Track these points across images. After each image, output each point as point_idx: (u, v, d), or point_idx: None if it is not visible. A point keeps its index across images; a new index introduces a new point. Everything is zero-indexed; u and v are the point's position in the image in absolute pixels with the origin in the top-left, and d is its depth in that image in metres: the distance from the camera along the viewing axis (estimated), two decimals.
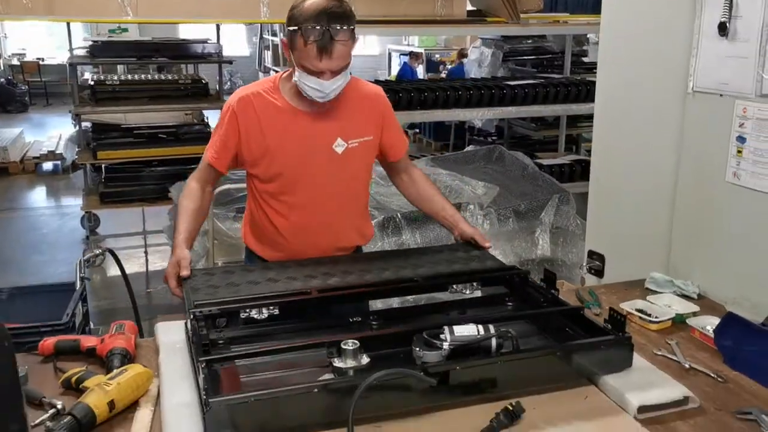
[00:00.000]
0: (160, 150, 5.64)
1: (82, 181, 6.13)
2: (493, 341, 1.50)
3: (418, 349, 1.47)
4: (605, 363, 1.56)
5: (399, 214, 3.66)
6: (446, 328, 1.51)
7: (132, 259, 5.59)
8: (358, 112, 2.10)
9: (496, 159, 4.55)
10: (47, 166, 8.59)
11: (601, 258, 2.54)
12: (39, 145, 8.95)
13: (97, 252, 2.53)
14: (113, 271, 5.51)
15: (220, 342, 1.63)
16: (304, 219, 2.09)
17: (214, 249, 3.99)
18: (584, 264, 2.60)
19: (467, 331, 1.50)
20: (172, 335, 1.74)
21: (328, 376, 1.50)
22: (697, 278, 2.11)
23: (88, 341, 1.70)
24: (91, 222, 5.87)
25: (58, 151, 8.50)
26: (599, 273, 2.54)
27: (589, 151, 6.47)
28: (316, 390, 1.36)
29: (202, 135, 5.77)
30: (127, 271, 5.47)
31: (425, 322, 1.65)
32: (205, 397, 1.31)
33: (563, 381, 1.55)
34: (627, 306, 1.95)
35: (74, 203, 6.84)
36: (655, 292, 2.09)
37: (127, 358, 1.62)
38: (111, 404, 1.42)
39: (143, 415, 1.45)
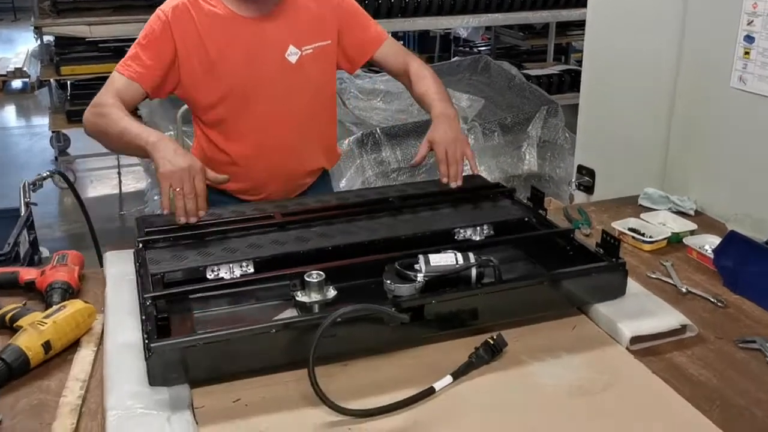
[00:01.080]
0: None
1: (48, 100, 5.84)
2: (473, 271, 1.35)
3: (389, 281, 1.32)
4: (596, 291, 1.42)
5: (378, 130, 3.47)
6: (421, 257, 1.36)
7: (104, 180, 5.40)
8: (310, 13, 1.85)
9: (481, 70, 4.32)
10: (16, 84, 8.23)
11: (591, 173, 2.38)
12: (6, 63, 8.52)
13: (44, 174, 2.33)
14: (86, 193, 5.33)
15: (173, 273, 1.47)
16: (261, 142, 1.86)
17: None
18: (573, 180, 2.45)
19: (444, 260, 1.35)
20: (122, 266, 1.58)
21: (290, 312, 1.35)
22: (695, 193, 1.96)
23: (27, 274, 1.54)
24: (60, 142, 5.61)
25: (25, 68, 8.12)
26: (589, 189, 2.39)
27: (579, 62, 6.23)
28: (274, 330, 1.21)
29: None
30: (100, 194, 5.35)
31: (400, 249, 1.49)
32: (146, 341, 1.16)
33: (550, 311, 1.42)
34: (619, 225, 1.80)
35: (44, 123, 6.55)
36: (650, 209, 1.94)
37: (69, 292, 1.46)
38: (46, 345, 1.27)
39: (84, 356, 1.31)
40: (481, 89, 4.05)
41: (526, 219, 1.65)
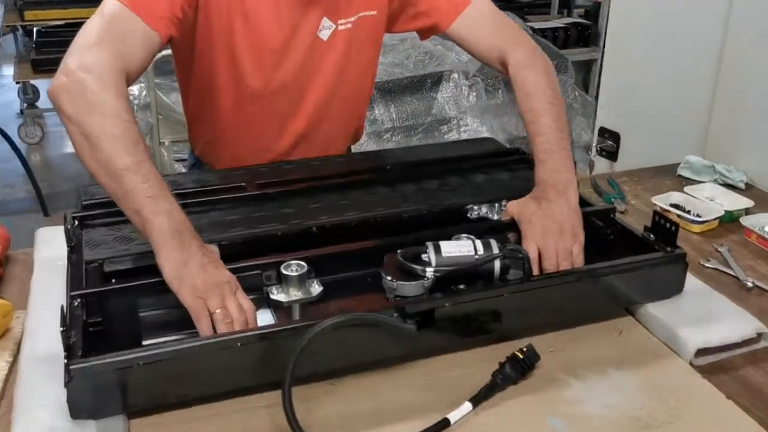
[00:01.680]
0: (87, 11, 4.92)
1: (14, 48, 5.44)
2: (497, 264, 1.05)
3: (390, 278, 1.03)
4: (648, 289, 1.13)
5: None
6: (430, 245, 1.06)
7: (66, 141, 5.01)
8: None
9: None
10: None
11: (615, 137, 2.08)
12: None
13: None
14: (56, 149, 4.98)
15: (115, 260, 1.17)
16: (278, 131, 1.45)
17: (159, 126, 3.46)
18: (594, 144, 2.15)
19: (459, 249, 1.06)
20: (55, 246, 1.27)
21: (263, 314, 1.06)
22: (744, 164, 1.67)
23: None
24: (29, 94, 5.23)
25: None
26: (612, 155, 2.09)
27: (581, 15, 5.86)
28: (239, 343, 0.92)
29: None
30: (71, 150, 4.98)
31: (401, 231, 1.19)
32: (66, 361, 0.86)
33: (590, 314, 1.13)
34: (660, 200, 1.51)
35: (9, 73, 6.15)
36: (692, 181, 1.65)
37: None
38: None
39: None
40: None
41: None
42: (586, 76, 4.42)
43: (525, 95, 1.31)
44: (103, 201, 1.25)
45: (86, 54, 1.05)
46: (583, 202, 1.31)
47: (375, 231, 1.21)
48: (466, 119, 3.12)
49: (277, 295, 1.05)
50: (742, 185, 1.62)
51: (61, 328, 0.90)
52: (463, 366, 1.04)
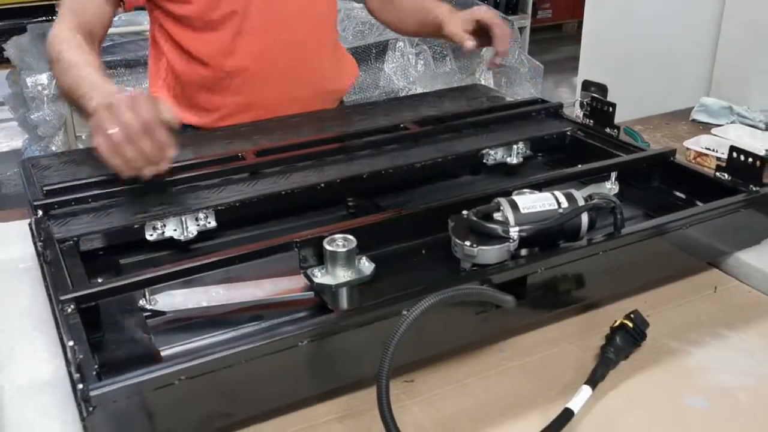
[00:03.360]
0: None
1: None
2: (584, 218, 0.88)
3: (468, 243, 0.83)
4: (736, 236, 0.99)
5: None
6: (503, 201, 0.88)
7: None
8: None
9: None
10: None
11: (601, 89, 1.95)
12: None
13: None
14: None
15: (100, 254, 0.92)
16: (256, 51, 1.31)
17: (73, 118, 3.11)
18: (577, 99, 2.01)
19: (539, 203, 0.87)
20: (9, 246, 1.01)
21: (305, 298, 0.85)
22: (758, 102, 1.57)
23: None
24: None
25: None
26: (600, 111, 1.96)
27: None
28: (305, 341, 0.71)
29: None
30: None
31: (449, 193, 1.01)
32: (81, 386, 0.62)
33: (678, 269, 0.98)
34: (692, 144, 1.38)
35: None
36: (708, 125, 1.54)
37: None
38: None
39: None
40: None
41: (597, 143, 1.21)
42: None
43: None
44: (70, 185, 1.01)
45: (52, 29, 1.22)
46: (633, 147, 1.17)
47: (390, 188, 1.09)
48: (415, 89, 2.95)
49: (322, 277, 0.84)
50: (762, 125, 1.52)
51: (70, 342, 0.65)
52: (554, 343, 0.87)
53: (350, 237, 0.85)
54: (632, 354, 0.84)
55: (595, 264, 0.87)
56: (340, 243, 0.84)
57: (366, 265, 0.85)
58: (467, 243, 0.83)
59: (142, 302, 0.82)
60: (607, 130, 1.23)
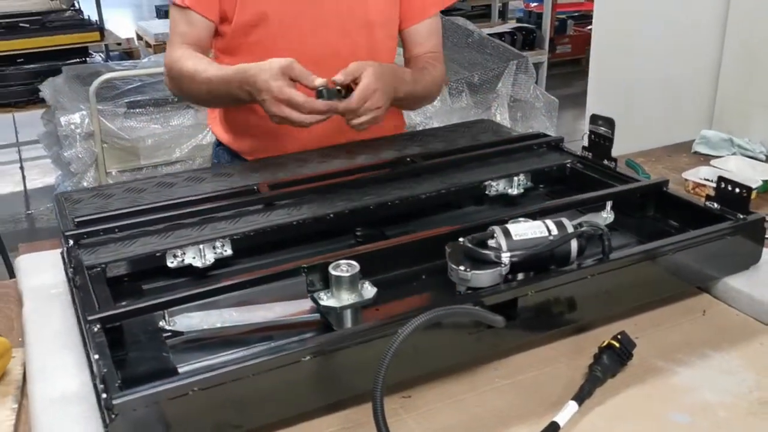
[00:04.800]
0: (24, 42, 4.62)
1: None
2: (573, 244, 0.94)
3: (461, 267, 0.89)
4: (726, 261, 1.04)
5: None
6: (497, 228, 0.94)
7: (5, 176, 4.70)
8: None
9: None
10: None
11: (608, 122, 2.01)
12: None
13: None
14: None
15: (125, 280, 1.00)
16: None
17: (104, 155, 3.24)
18: (586, 133, 2.07)
19: (532, 230, 0.94)
20: (43, 274, 1.09)
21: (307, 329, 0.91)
22: (759, 134, 1.62)
23: None
24: None
25: None
26: (602, 146, 2.02)
27: (519, 20, 5.91)
28: (308, 356, 0.77)
29: (75, 23, 4.79)
30: (3, 192, 4.67)
31: (452, 223, 1.07)
32: (104, 395, 0.69)
33: (667, 292, 1.03)
34: (691, 175, 1.43)
35: None
36: (709, 157, 1.58)
37: None
38: None
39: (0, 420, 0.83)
40: None
41: (594, 174, 1.27)
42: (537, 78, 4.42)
43: (422, 68, 1.45)
44: (98, 217, 1.09)
45: (166, 57, 1.40)
46: (629, 178, 1.23)
47: (397, 218, 1.16)
48: (432, 123, 3.03)
49: (328, 300, 0.90)
50: (762, 156, 1.57)
51: (95, 356, 0.73)
52: (546, 363, 0.92)
53: (354, 263, 0.92)
54: (619, 373, 0.89)
55: (584, 287, 0.93)
56: (344, 268, 0.91)
57: (368, 289, 0.92)
58: (461, 268, 0.89)
59: (161, 323, 0.89)
60: (605, 162, 1.29)
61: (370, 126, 1.24)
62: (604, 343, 0.89)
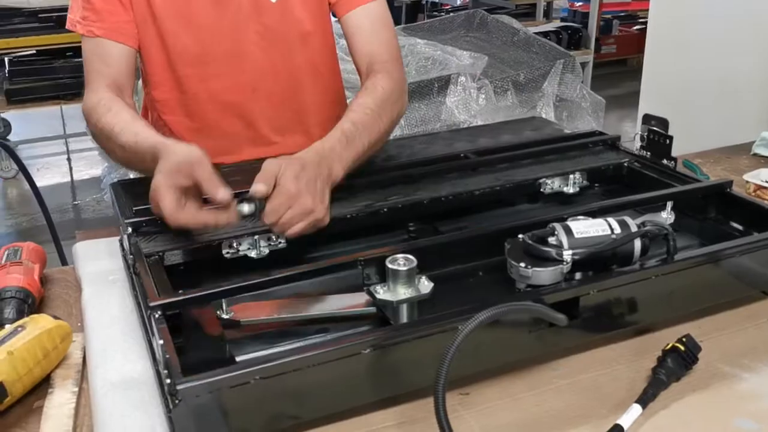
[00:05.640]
0: (72, 35, 4.69)
1: None
2: (637, 244, 0.91)
3: (522, 264, 0.88)
4: None
5: None
6: (558, 225, 0.92)
7: (53, 168, 4.81)
8: None
9: (477, 26, 3.89)
10: None
11: (662, 123, 1.97)
12: None
13: None
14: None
15: (181, 268, 1.01)
16: (223, 116, 1.33)
17: None
18: (638, 133, 2.03)
19: (594, 228, 0.92)
20: (100, 261, 1.11)
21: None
22: None
23: None
24: (0, 128, 4.99)
25: None
26: (659, 145, 1.98)
27: (563, 18, 5.84)
28: (368, 349, 0.76)
29: None
30: (50, 182, 4.77)
31: (511, 220, 1.06)
32: (169, 381, 0.70)
33: (731, 296, 1.00)
34: (752, 177, 1.39)
35: None
36: None
37: (28, 303, 0.98)
38: None
39: (60, 403, 0.84)
40: (482, 46, 3.62)
41: (653, 174, 1.24)
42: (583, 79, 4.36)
43: (365, 91, 1.23)
44: None
45: (85, 98, 1.24)
46: (689, 179, 1.20)
47: (450, 213, 1.14)
48: (476, 122, 3.01)
49: (384, 294, 0.90)
50: None
51: (160, 342, 0.73)
52: (606, 364, 0.90)
53: (411, 257, 0.91)
54: (684, 377, 0.86)
55: (648, 288, 0.90)
56: (401, 262, 0.90)
57: (425, 284, 0.91)
58: (522, 264, 0.88)
59: (218, 312, 0.89)
60: (664, 161, 1.26)
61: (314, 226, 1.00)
62: (669, 346, 0.87)
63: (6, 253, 1.08)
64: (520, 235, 0.93)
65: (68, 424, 0.80)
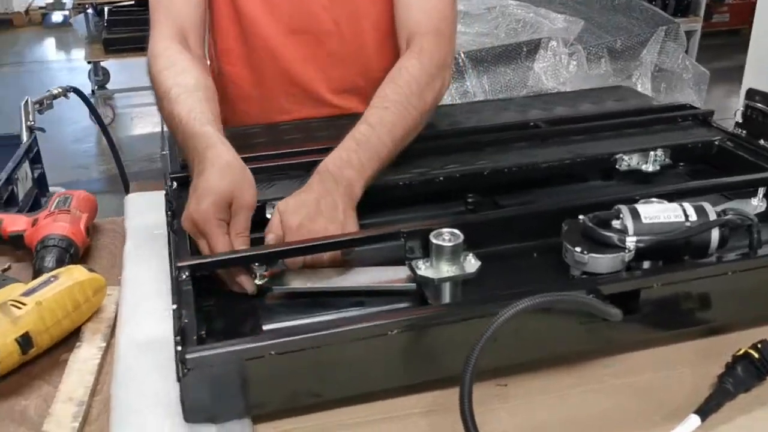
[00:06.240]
0: None
1: (85, 28, 5.39)
2: (715, 233, 0.81)
3: (579, 249, 0.79)
4: None
5: (462, 53, 2.90)
6: (624, 208, 0.83)
7: (146, 117, 4.95)
8: None
9: None
10: (56, 17, 7.79)
11: (767, 99, 1.79)
12: None
13: (55, 91, 1.83)
14: (126, 131, 4.91)
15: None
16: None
17: None
18: (739, 108, 1.86)
19: (665, 213, 0.82)
20: (149, 214, 1.09)
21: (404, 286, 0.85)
22: None
23: (13, 223, 1.06)
24: (99, 75, 5.16)
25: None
26: (762, 124, 1.80)
27: None
28: (395, 330, 0.71)
29: None
30: (142, 132, 4.92)
31: (572, 198, 0.97)
32: (180, 349, 0.66)
33: None
34: None
35: (79, 56, 6.13)
36: None
37: (69, 252, 0.98)
38: (24, 341, 0.79)
39: (85, 358, 0.82)
40: (578, 9, 3.42)
41: (747, 155, 1.11)
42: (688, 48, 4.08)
43: (389, 79, 1.09)
44: None
45: (150, 43, 1.16)
46: None
47: (513, 186, 1.05)
48: (565, 90, 2.85)
49: (425, 270, 0.83)
50: None
51: (174, 306, 0.70)
52: (666, 366, 0.81)
53: (457, 232, 0.83)
54: (754, 388, 0.76)
55: (723, 285, 0.80)
56: (446, 237, 0.83)
57: (472, 263, 0.83)
58: (578, 249, 0.79)
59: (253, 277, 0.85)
60: (762, 142, 1.13)
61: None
62: (741, 352, 0.77)
63: (57, 200, 1.07)
64: (581, 216, 0.84)
65: (89, 380, 0.78)
